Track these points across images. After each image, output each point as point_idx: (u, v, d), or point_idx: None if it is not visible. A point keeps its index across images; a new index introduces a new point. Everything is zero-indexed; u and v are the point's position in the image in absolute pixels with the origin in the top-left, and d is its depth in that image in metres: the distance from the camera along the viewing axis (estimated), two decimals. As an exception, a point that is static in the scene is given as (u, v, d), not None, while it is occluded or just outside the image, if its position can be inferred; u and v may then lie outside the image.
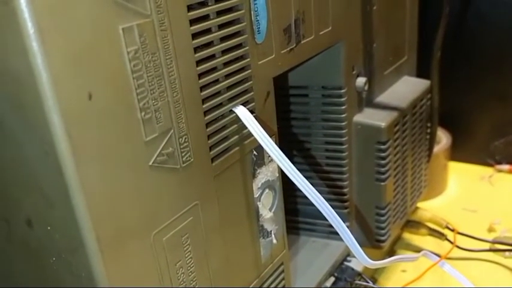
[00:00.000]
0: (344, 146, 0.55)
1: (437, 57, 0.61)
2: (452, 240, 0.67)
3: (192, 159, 0.34)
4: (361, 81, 0.55)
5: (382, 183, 0.56)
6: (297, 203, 0.59)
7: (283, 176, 0.57)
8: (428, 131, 0.67)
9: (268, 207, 0.43)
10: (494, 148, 0.88)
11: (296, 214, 0.60)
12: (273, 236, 0.44)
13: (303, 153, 0.56)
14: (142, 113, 0.30)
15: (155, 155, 0.31)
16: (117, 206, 0.29)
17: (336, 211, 0.40)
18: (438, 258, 0.55)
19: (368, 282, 0.56)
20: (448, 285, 0.61)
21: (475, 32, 0.82)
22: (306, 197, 0.39)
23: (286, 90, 0.55)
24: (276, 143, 0.39)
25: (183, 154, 0.33)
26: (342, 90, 0.53)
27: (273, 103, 0.42)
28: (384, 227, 0.58)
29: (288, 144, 0.56)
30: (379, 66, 0.59)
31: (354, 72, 0.54)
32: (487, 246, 0.68)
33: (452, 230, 0.68)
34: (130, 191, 0.30)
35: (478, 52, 0.83)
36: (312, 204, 0.39)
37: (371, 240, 0.58)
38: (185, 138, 0.33)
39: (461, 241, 0.68)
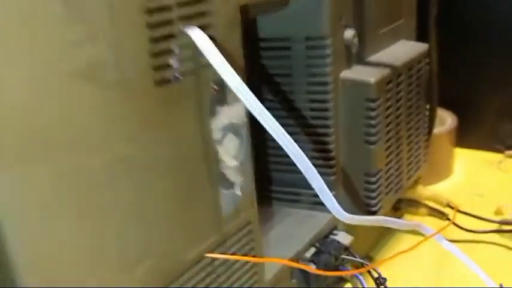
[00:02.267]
0: (330, 104, 0.49)
1: (433, 15, 0.56)
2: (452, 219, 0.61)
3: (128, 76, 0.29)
4: (349, 33, 0.50)
5: (372, 146, 0.50)
6: (282, 171, 0.54)
7: (266, 139, 0.53)
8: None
9: (232, 155, 0.38)
10: (504, 133, 0.83)
11: (280, 184, 0.55)
12: (238, 188, 0.38)
13: (285, 112, 0.51)
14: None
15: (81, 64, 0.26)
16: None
17: (321, 178, 0.36)
18: (433, 231, 0.49)
19: (355, 257, 0.50)
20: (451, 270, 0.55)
21: (483, 14, 0.78)
22: (291, 164, 0.35)
23: (267, 43, 0.50)
24: (244, 81, 0.34)
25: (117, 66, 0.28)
26: (327, 40, 0.47)
27: (239, 35, 0.37)
28: (374, 197, 0.52)
29: (269, 102, 0.51)
30: (372, 23, 0.54)
31: (342, 22, 0.49)
32: (493, 229, 0.62)
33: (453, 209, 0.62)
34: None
35: (485, 34, 0.79)
36: (295, 172, 0.36)
37: (360, 210, 0.53)
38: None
39: (467, 223, 0.62)
